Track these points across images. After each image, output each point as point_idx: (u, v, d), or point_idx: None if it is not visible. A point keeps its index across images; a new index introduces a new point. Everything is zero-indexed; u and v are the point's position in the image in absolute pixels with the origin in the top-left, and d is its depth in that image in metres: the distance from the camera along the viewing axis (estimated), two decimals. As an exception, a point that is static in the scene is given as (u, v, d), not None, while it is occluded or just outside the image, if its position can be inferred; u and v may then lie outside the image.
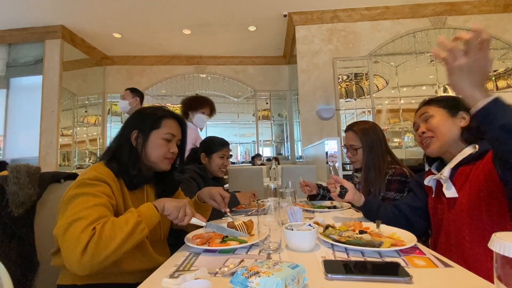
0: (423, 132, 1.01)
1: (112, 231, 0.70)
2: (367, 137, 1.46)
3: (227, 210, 1.15)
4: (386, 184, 1.37)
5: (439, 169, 1.00)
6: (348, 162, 2.96)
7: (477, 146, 0.90)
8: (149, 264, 0.91)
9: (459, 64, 0.63)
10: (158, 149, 0.99)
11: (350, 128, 1.54)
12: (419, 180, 1.16)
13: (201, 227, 0.93)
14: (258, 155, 5.78)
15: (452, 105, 0.99)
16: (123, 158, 0.94)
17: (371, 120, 4.17)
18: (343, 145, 1.60)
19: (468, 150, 0.92)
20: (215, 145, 1.71)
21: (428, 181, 1.02)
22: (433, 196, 1.03)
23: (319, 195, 1.71)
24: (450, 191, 0.92)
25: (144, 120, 1.00)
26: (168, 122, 1.02)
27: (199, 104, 2.54)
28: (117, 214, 0.86)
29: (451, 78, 0.68)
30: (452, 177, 0.94)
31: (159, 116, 1.01)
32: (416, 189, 1.17)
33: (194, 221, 0.89)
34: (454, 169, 0.94)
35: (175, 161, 1.09)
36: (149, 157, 0.98)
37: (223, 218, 1.31)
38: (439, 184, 1.00)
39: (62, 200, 0.80)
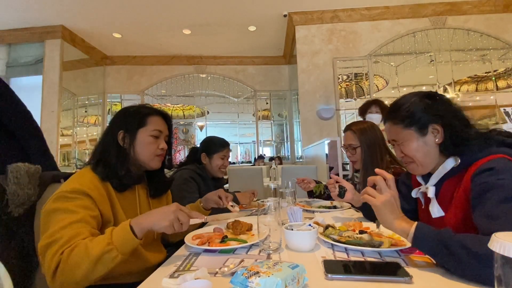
0: (402, 156, 0.92)
1: (79, 257, 0.67)
2: (365, 136, 1.47)
3: (230, 204, 1.21)
4: None
5: (426, 178, 0.92)
6: (347, 162, 2.96)
7: (458, 159, 0.81)
8: (144, 264, 0.91)
9: (379, 200, 0.73)
10: (147, 147, 0.97)
11: (348, 128, 1.55)
12: (405, 181, 1.08)
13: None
14: (261, 157, 5.76)
15: (417, 121, 0.84)
16: (110, 159, 0.92)
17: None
18: (342, 145, 1.61)
19: (450, 163, 0.83)
20: (216, 145, 1.71)
21: (416, 193, 0.96)
22: (422, 207, 0.96)
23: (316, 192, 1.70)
24: (436, 211, 0.86)
25: (129, 119, 0.98)
26: (154, 119, 1.01)
27: (365, 107, 2.80)
28: (105, 222, 0.84)
29: (378, 216, 0.75)
30: (438, 192, 0.87)
31: (144, 114, 0.99)
32: (403, 191, 1.08)
33: (193, 221, 0.88)
34: (439, 183, 0.87)
35: (164, 159, 1.07)
36: (139, 156, 0.97)
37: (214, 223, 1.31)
38: (426, 195, 0.92)
39: (42, 212, 0.78)
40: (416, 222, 0.68)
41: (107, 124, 1.02)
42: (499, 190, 0.65)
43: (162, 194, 1.12)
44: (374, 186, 0.77)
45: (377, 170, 0.77)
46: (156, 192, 1.08)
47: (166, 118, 1.06)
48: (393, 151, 1.45)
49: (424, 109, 0.84)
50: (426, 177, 0.90)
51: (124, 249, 0.71)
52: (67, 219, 0.74)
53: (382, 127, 1.38)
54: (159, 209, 0.80)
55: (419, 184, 0.96)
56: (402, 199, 1.06)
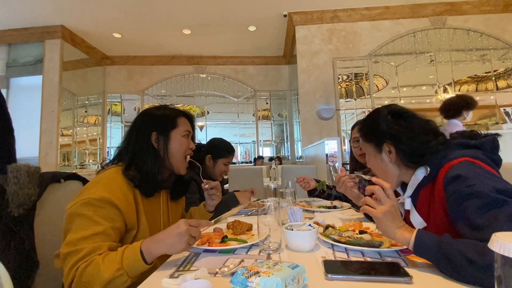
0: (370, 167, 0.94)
1: (91, 277, 0.70)
2: None
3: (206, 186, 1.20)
4: None
5: (404, 188, 0.90)
6: (348, 162, 2.95)
7: (428, 168, 0.80)
8: (154, 270, 0.91)
9: (379, 211, 0.72)
10: (180, 147, 0.99)
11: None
12: None
13: None
14: (260, 157, 5.78)
15: (375, 137, 0.87)
16: (146, 163, 0.92)
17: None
18: (351, 138, 1.59)
19: (421, 174, 0.82)
20: (223, 150, 1.70)
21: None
22: (403, 217, 0.87)
23: (317, 190, 1.69)
24: (418, 222, 0.84)
25: (160, 121, 0.99)
26: (182, 119, 1.03)
27: (458, 105, 2.67)
28: (128, 229, 0.86)
29: (379, 226, 0.74)
30: (415, 202, 0.86)
31: (173, 115, 1.01)
32: None
33: (203, 229, 0.87)
34: (416, 192, 0.85)
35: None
36: (173, 157, 0.98)
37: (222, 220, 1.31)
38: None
39: (67, 212, 0.79)
40: (416, 230, 0.68)
41: (129, 129, 1.01)
42: (473, 198, 0.66)
43: (182, 196, 1.13)
44: (371, 195, 0.77)
45: (374, 179, 0.77)
46: (177, 194, 1.09)
47: (190, 118, 1.08)
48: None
49: (382, 126, 0.86)
50: (405, 186, 0.89)
51: (134, 273, 0.71)
52: (89, 230, 0.75)
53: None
54: (170, 232, 0.75)
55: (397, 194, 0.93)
56: None
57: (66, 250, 0.74)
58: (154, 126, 0.98)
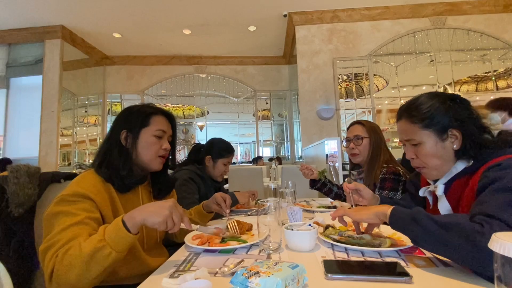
0: (413, 158, 0.89)
1: (72, 258, 0.66)
2: (375, 133, 1.51)
3: (227, 211, 1.19)
4: (379, 183, 1.37)
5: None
6: (347, 162, 2.95)
7: (471, 160, 0.80)
8: (146, 267, 0.90)
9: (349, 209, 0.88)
10: (149, 147, 0.96)
11: (357, 122, 1.57)
12: (414, 181, 1.07)
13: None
14: (259, 157, 5.79)
15: (437, 123, 0.81)
16: (113, 160, 0.91)
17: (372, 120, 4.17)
18: (344, 138, 1.62)
19: (461, 165, 0.81)
20: (223, 150, 1.69)
21: (423, 192, 0.93)
22: (430, 207, 0.94)
23: (320, 181, 1.69)
24: (445, 209, 0.84)
25: (132, 118, 0.97)
26: (157, 118, 0.99)
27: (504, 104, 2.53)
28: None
29: (358, 216, 0.83)
30: (447, 191, 0.85)
31: (147, 113, 0.98)
32: (412, 191, 1.07)
33: (182, 226, 0.83)
34: (448, 183, 0.84)
35: (167, 159, 1.06)
36: (141, 156, 0.96)
37: (223, 218, 1.31)
38: (435, 195, 0.91)
39: (44, 217, 0.77)
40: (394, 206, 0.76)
41: (111, 124, 1.00)
42: (499, 181, 0.67)
43: (166, 195, 1.11)
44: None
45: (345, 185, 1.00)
46: (159, 193, 1.07)
47: (170, 117, 1.05)
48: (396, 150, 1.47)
49: (445, 112, 0.81)
50: None
51: (118, 246, 0.68)
52: (67, 222, 0.73)
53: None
54: (155, 203, 0.76)
55: (428, 184, 0.94)
56: (410, 200, 1.06)
57: (44, 246, 0.70)
58: (125, 124, 0.97)
